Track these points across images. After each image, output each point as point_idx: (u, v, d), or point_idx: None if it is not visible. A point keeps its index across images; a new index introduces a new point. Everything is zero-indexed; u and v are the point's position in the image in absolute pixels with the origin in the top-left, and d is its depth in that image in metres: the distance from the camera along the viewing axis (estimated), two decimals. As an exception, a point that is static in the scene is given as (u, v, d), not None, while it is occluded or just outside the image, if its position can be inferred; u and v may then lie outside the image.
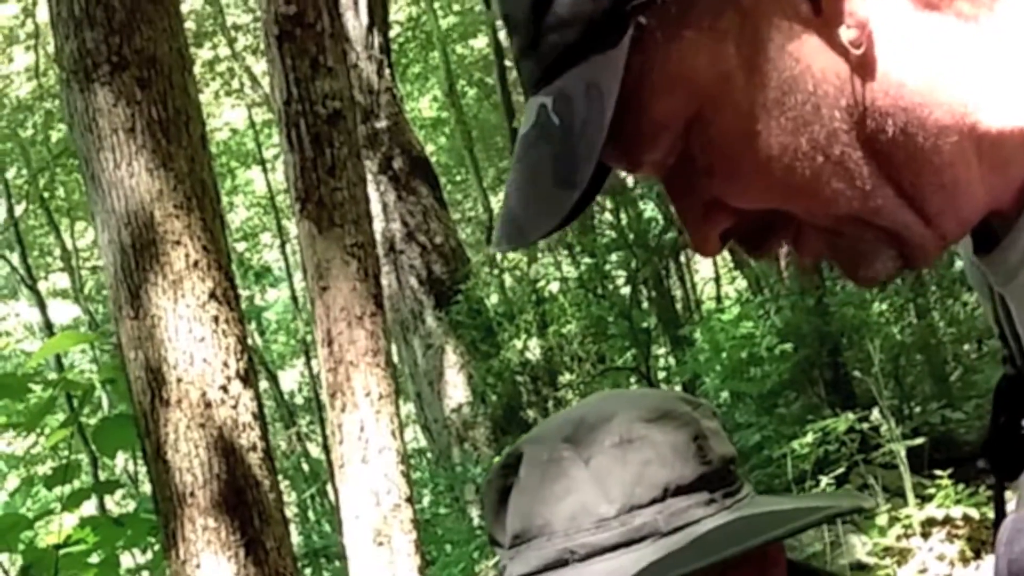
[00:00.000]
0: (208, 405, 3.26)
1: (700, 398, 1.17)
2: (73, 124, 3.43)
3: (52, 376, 4.86)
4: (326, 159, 4.11)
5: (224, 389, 3.30)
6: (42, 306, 15.53)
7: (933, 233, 0.80)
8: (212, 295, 3.35)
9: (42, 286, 16.65)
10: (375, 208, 9.01)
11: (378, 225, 9.23)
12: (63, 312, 16.90)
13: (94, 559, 3.86)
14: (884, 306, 8.73)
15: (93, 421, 4.10)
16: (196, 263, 3.34)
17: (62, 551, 3.70)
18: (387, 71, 9.71)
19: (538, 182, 0.80)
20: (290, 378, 17.54)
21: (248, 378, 3.38)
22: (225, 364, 3.32)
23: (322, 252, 4.02)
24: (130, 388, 3.36)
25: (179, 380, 3.26)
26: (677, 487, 1.04)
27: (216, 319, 3.33)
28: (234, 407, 3.30)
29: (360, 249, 4.05)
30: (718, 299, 13.19)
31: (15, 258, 15.52)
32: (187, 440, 3.23)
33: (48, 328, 14.91)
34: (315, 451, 15.13)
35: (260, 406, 3.42)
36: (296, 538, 11.37)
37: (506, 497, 1.11)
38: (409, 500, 3.92)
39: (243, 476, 3.27)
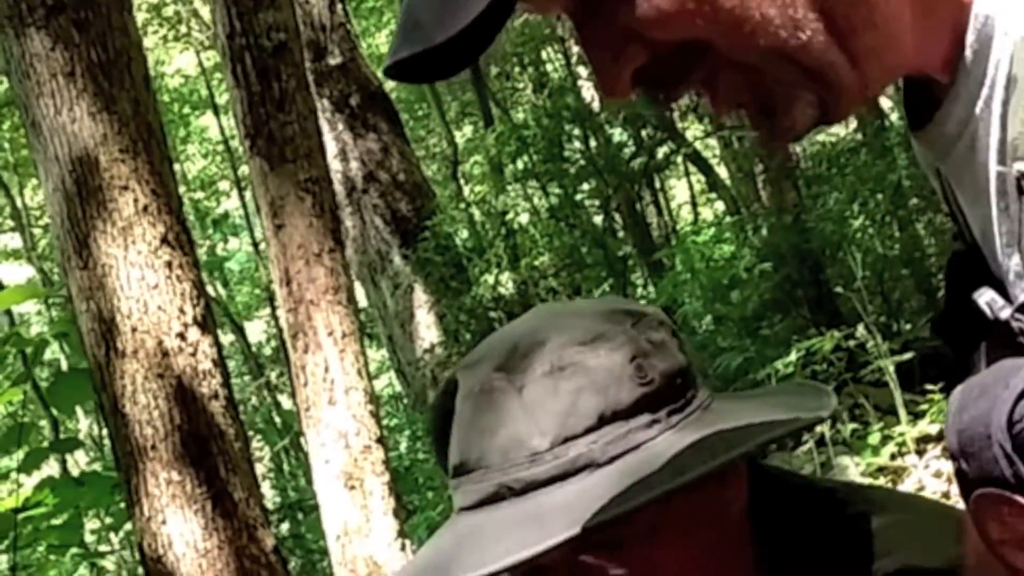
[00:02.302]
0: (165, 354, 3.17)
1: (647, 307, 1.13)
2: (11, 72, 3.37)
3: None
4: (274, 93, 4.02)
5: (181, 336, 3.21)
6: (-7, 268, 15.25)
7: (858, 77, 0.78)
8: (164, 240, 3.27)
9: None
10: (333, 148, 8.82)
11: (338, 165, 9.03)
12: (16, 273, 16.61)
13: (57, 522, 3.74)
14: (865, 220, 8.57)
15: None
16: (145, 208, 3.27)
17: (21, 515, 3.58)
18: (339, 6, 9.49)
19: None
20: (257, 329, 17.35)
21: (206, 324, 3.28)
22: (181, 311, 3.23)
23: (275, 189, 3.91)
24: (83, 341, 3.28)
25: (134, 330, 3.18)
26: (613, 413, 1.02)
27: (169, 265, 3.25)
28: (193, 355, 3.21)
29: (314, 184, 3.94)
30: (695, 223, 13.03)
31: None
32: (145, 391, 3.14)
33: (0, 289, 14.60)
34: (286, 403, 14.98)
35: (220, 352, 3.34)
36: (270, 492, 11.28)
37: (447, 425, 1.09)
38: (380, 441, 3.82)
39: (206, 426, 3.19)
